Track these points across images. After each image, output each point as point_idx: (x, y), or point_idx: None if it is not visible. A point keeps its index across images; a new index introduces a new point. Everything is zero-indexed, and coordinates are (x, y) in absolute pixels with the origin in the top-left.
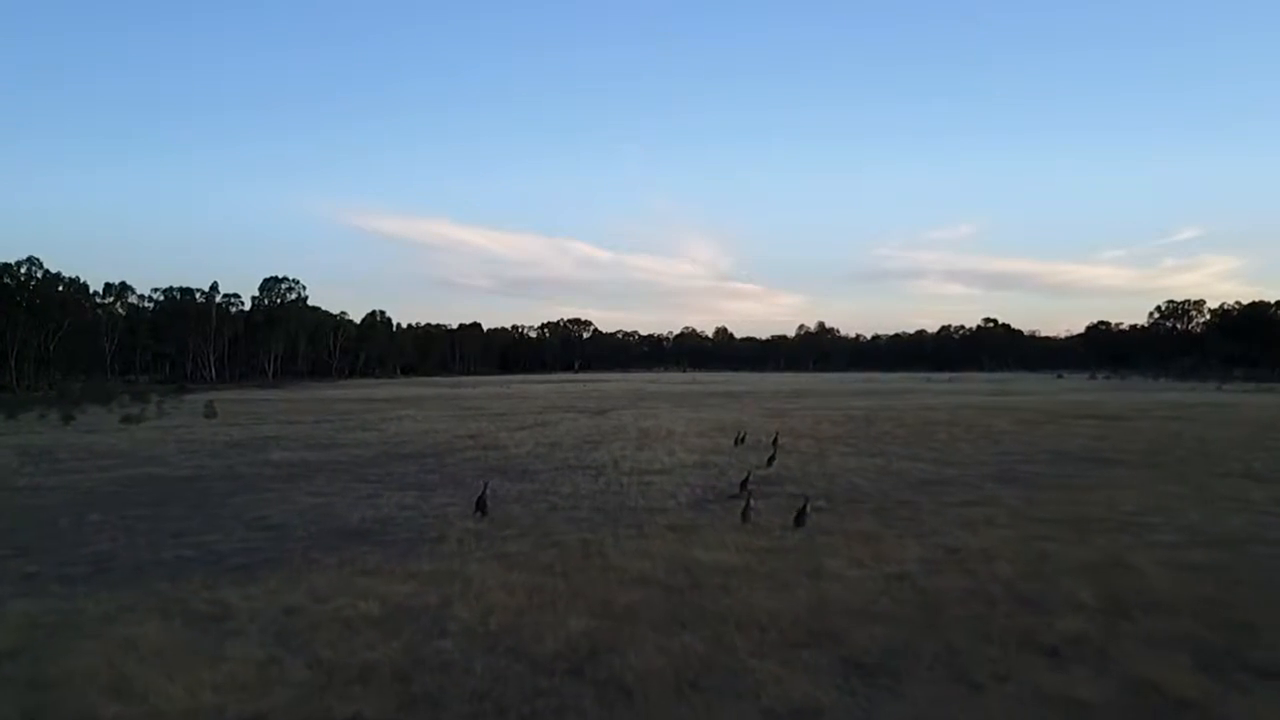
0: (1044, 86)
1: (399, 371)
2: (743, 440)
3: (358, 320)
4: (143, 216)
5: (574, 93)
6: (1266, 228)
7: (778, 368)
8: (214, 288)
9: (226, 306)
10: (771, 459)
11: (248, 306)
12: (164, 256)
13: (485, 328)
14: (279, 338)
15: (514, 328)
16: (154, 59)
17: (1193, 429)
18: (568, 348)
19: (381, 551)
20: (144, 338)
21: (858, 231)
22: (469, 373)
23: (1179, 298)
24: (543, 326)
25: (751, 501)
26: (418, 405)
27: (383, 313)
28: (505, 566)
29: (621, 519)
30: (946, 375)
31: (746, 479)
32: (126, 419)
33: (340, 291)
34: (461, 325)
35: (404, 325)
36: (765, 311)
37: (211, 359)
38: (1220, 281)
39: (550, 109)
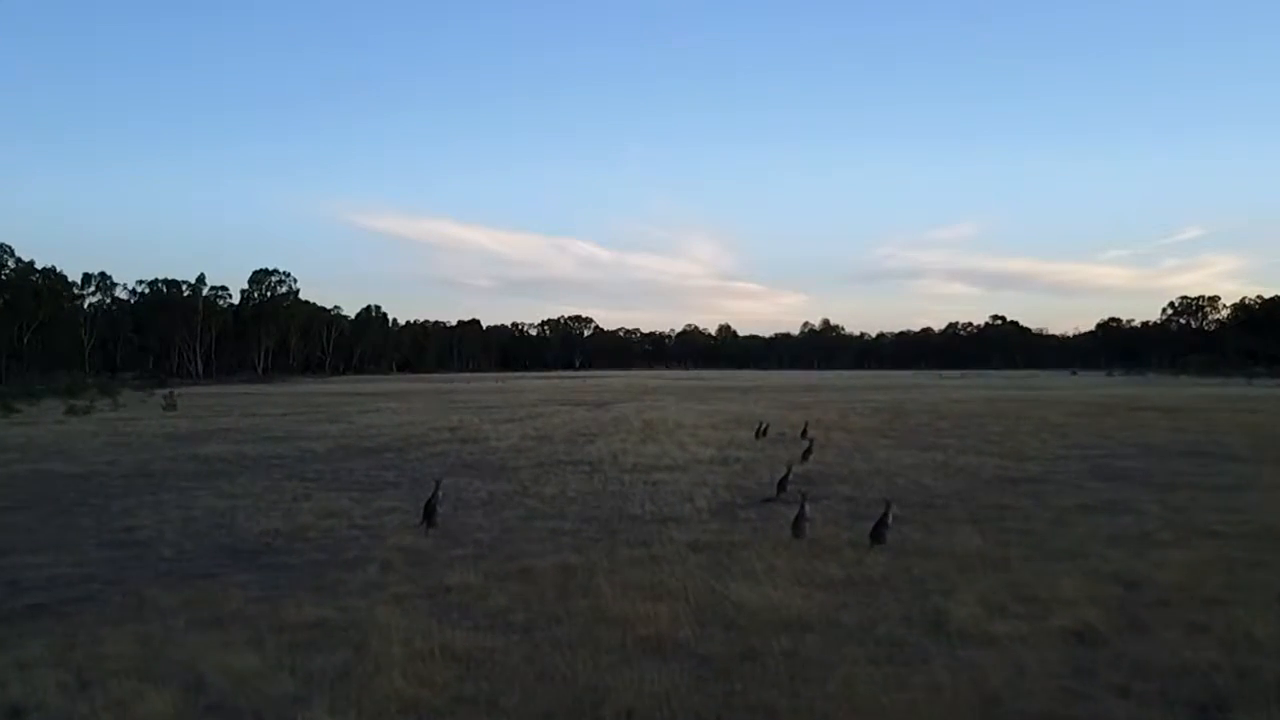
0: (1045, 86)
1: (395, 368)
2: (764, 433)
3: (352, 316)
4: (140, 215)
5: (574, 92)
6: (1268, 227)
7: (782, 366)
8: (200, 280)
9: (214, 299)
10: (808, 453)
11: (237, 300)
12: (161, 255)
13: (484, 325)
14: (269, 332)
15: (514, 325)
16: (153, 57)
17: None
18: (569, 345)
19: (263, 583)
20: (126, 331)
21: (859, 231)
22: (468, 370)
23: (1182, 297)
24: (543, 324)
25: (806, 508)
26: (402, 398)
27: (378, 308)
28: (435, 613)
29: (621, 532)
30: (957, 373)
31: (786, 476)
32: (71, 411)
33: (341, 292)
34: (460, 322)
35: (401, 322)
36: (767, 311)
37: (198, 354)
38: (1222, 281)
39: (551, 109)
